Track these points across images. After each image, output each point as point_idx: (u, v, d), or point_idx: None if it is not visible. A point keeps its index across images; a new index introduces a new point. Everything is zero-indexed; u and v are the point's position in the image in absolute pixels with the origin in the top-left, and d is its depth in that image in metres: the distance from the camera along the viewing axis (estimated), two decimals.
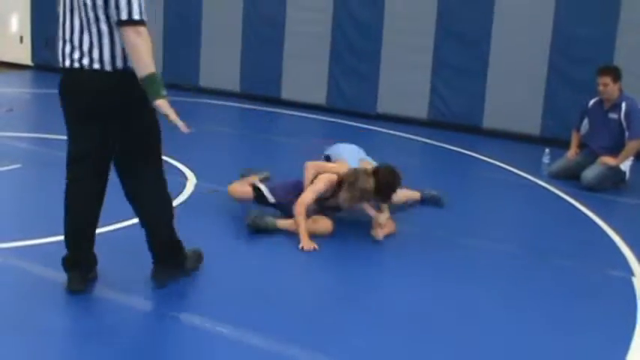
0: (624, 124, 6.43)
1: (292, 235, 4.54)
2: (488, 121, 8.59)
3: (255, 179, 5.03)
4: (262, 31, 9.87)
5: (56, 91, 3.40)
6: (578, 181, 6.38)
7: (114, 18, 3.16)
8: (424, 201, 5.50)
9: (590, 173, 6.36)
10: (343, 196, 4.63)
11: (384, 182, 4.65)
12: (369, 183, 4.56)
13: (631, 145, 6.40)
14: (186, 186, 5.52)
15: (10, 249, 4.04)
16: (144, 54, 3.13)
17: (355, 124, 8.78)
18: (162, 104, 3.17)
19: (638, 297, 3.97)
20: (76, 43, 3.25)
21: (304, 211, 4.57)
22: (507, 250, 4.68)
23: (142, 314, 3.42)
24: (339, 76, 9.46)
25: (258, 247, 4.45)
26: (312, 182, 4.72)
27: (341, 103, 9.47)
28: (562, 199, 6.04)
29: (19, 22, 11.75)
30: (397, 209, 5.15)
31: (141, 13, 3.15)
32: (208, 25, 10.23)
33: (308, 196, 4.64)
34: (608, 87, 6.45)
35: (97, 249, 3.64)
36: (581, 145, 6.84)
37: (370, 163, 5.05)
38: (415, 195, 5.47)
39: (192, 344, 3.14)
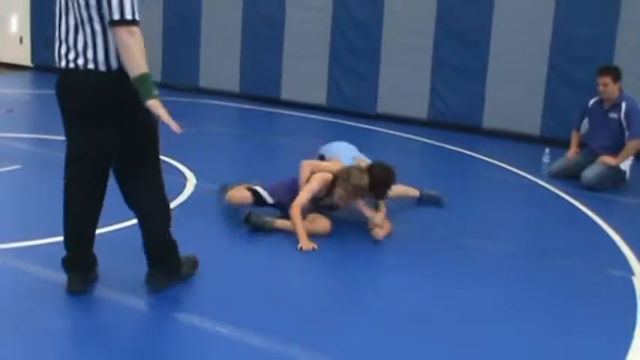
0: (624, 123, 6.43)
1: (291, 235, 4.54)
2: (488, 121, 8.59)
3: (244, 187, 4.96)
4: (262, 31, 9.87)
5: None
6: (579, 181, 6.38)
7: (107, 18, 3.16)
8: (423, 200, 5.50)
9: (590, 173, 6.36)
10: (337, 193, 4.64)
11: (379, 179, 4.67)
12: (363, 179, 4.57)
13: (631, 145, 6.40)
14: (186, 186, 5.52)
15: (10, 250, 4.04)
16: (136, 54, 3.12)
17: (355, 124, 8.78)
18: (154, 104, 3.15)
19: (638, 296, 3.97)
20: (71, 43, 3.25)
21: (300, 212, 4.57)
22: (507, 249, 4.68)
23: (142, 315, 3.41)
24: (339, 76, 9.46)
25: (258, 247, 4.45)
26: (307, 182, 4.73)
27: (341, 103, 9.47)
28: (562, 198, 6.04)
29: (18, 23, 11.75)
30: (396, 210, 5.15)
31: (133, 12, 3.13)
32: (208, 25, 10.23)
33: (303, 198, 4.64)
34: (608, 87, 6.45)
35: (97, 250, 3.64)
36: (581, 145, 6.84)
37: (364, 161, 5.06)
38: (414, 192, 5.47)
39: (192, 344, 3.14)
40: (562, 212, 5.72)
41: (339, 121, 8.90)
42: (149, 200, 3.49)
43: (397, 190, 5.08)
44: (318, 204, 4.74)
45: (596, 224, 5.35)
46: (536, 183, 6.49)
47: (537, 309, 3.78)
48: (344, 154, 5.13)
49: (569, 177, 6.55)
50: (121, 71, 3.20)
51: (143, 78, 3.13)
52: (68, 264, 3.55)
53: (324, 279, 4.18)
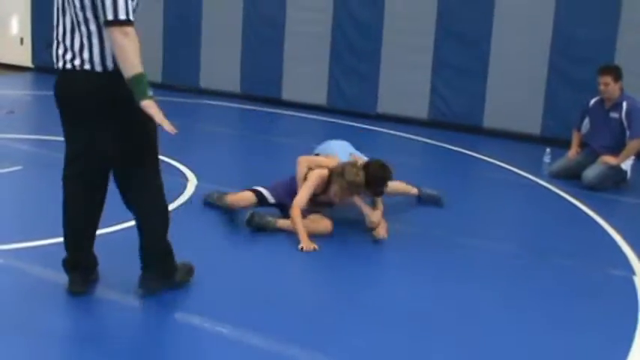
0: (625, 123, 6.43)
1: (292, 235, 4.54)
2: (489, 121, 8.59)
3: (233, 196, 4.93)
4: (262, 31, 9.87)
5: None
6: (579, 181, 6.38)
7: (101, 18, 3.16)
8: (423, 200, 5.50)
9: (591, 173, 6.36)
10: (332, 189, 4.65)
11: (375, 176, 4.68)
12: (358, 175, 4.57)
13: (632, 145, 6.39)
14: (187, 187, 5.52)
15: (10, 250, 4.04)
16: (131, 54, 3.11)
17: (356, 124, 8.78)
18: (149, 105, 3.14)
19: (639, 296, 3.96)
20: (68, 44, 3.26)
21: (300, 212, 4.57)
22: (508, 249, 4.68)
23: (142, 315, 3.41)
24: (340, 77, 9.46)
25: (259, 247, 4.45)
26: (304, 179, 4.73)
27: (341, 103, 9.47)
28: (563, 198, 6.04)
29: (19, 24, 11.75)
30: (397, 210, 5.15)
31: (127, 12, 3.12)
32: (208, 25, 10.24)
33: (302, 197, 4.64)
34: (609, 86, 6.45)
35: (98, 251, 3.64)
36: (582, 145, 6.84)
37: (361, 158, 5.06)
38: (413, 191, 5.47)
39: (192, 344, 3.14)
40: (563, 212, 5.72)
41: (340, 121, 8.90)
42: (148, 201, 3.48)
43: (395, 186, 5.09)
44: (315, 201, 4.74)
45: (597, 224, 5.35)
46: (537, 183, 6.49)
47: (538, 309, 3.78)
48: (341, 152, 5.14)
49: (570, 177, 6.55)
50: (118, 72, 3.20)
51: (138, 78, 3.12)
52: (69, 265, 3.55)
53: (324, 279, 4.18)
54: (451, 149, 7.77)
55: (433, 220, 5.19)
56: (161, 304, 3.50)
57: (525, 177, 6.66)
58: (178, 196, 5.23)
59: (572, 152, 6.80)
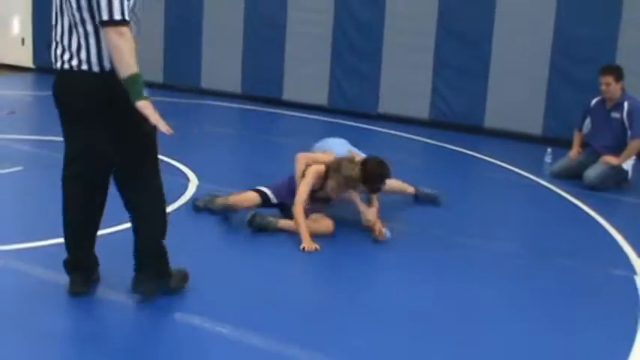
0: (626, 123, 6.42)
1: (293, 236, 4.54)
2: (490, 121, 8.58)
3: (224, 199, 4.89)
4: (263, 32, 9.87)
5: None
6: (581, 181, 6.37)
7: (97, 18, 3.15)
8: (420, 199, 5.50)
9: (592, 172, 6.35)
10: (329, 184, 4.65)
11: (373, 173, 4.69)
12: (354, 170, 4.58)
13: (633, 145, 6.39)
14: (188, 187, 5.52)
15: (11, 251, 4.05)
16: (126, 54, 3.10)
17: (356, 124, 8.78)
18: (144, 105, 3.12)
19: None
20: (66, 44, 3.26)
21: (303, 210, 4.57)
22: (509, 249, 4.67)
23: (142, 315, 3.41)
24: (341, 77, 9.46)
25: (259, 247, 4.44)
26: (302, 176, 4.73)
27: (342, 103, 9.47)
28: (564, 198, 6.03)
29: (20, 25, 11.76)
30: (397, 210, 5.15)
31: (122, 13, 3.11)
32: (209, 26, 10.24)
33: (302, 195, 4.64)
34: (610, 86, 6.44)
35: (98, 251, 3.63)
36: (584, 145, 6.83)
37: (359, 155, 5.06)
38: (410, 189, 5.47)
39: (192, 344, 3.14)
40: (564, 212, 5.71)
41: (341, 121, 8.89)
42: (147, 202, 3.46)
43: (392, 184, 5.10)
44: (313, 197, 4.74)
45: (598, 224, 5.34)
46: (539, 183, 6.48)
47: (539, 308, 3.77)
48: (338, 149, 5.14)
49: (572, 177, 6.54)
50: (115, 72, 3.19)
51: (133, 78, 3.11)
52: (70, 265, 3.55)
53: (324, 279, 4.18)
54: (452, 149, 7.77)
55: (434, 220, 5.18)
56: (161, 304, 3.49)
57: (526, 177, 6.65)
58: (179, 196, 5.22)
59: (574, 152, 6.79)
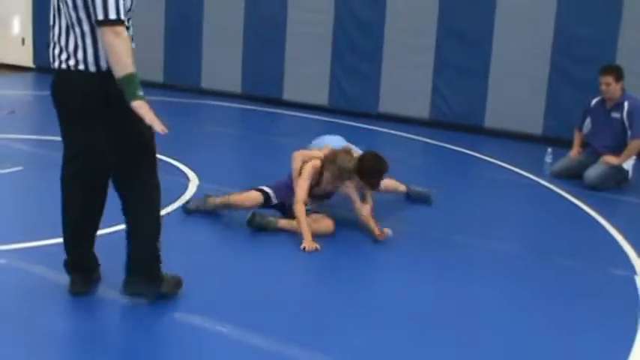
0: (627, 123, 6.42)
1: (293, 235, 4.54)
2: (490, 121, 8.58)
3: (218, 199, 4.88)
4: (264, 31, 9.87)
5: None
6: (581, 181, 6.37)
7: (93, 18, 3.15)
8: (412, 197, 5.50)
9: (592, 172, 6.35)
10: (325, 177, 4.65)
11: (371, 167, 4.70)
12: (350, 162, 4.58)
13: (633, 144, 6.39)
14: (189, 187, 5.52)
15: (12, 250, 4.05)
16: (122, 54, 3.09)
17: (357, 124, 8.78)
18: (139, 105, 3.11)
19: None
20: (63, 44, 3.26)
21: (304, 208, 4.57)
22: (510, 249, 4.67)
23: (142, 315, 3.41)
24: (341, 76, 9.46)
25: (259, 247, 4.44)
26: (299, 174, 4.73)
27: (343, 103, 9.47)
28: (564, 198, 6.03)
29: (20, 24, 11.76)
30: (397, 209, 5.15)
31: (118, 12, 3.10)
32: (210, 26, 10.24)
33: (302, 192, 4.63)
34: (610, 86, 6.44)
35: (98, 251, 3.63)
36: (584, 145, 6.83)
37: (356, 151, 5.06)
38: (402, 188, 5.48)
39: (192, 344, 3.14)
40: (564, 212, 5.71)
41: (341, 121, 8.89)
42: (143, 202, 3.42)
43: (386, 183, 5.12)
44: (312, 193, 4.73)
45: (598, 224, 5.34)
46: (539, 183, 6.48)
47: (539, 308, 3.77)
48: (335, 145, 5.14)
49: (572, 177, 6.54)
50: (110, 72, 3.18)
51: (129, 78, 3.10)
52: (70, 265, 3.55)
53: (324, 279, 4.18)
54: (452, 149, 7.77)
55: (434, 220, 5.18)
56: (161, 304, 3.49)
57: (527, 177, 6.65)
58: (180, 196, 5.22)
59: (574, 152, 6.79)
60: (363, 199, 4.82)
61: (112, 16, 3.09)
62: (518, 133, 8.36)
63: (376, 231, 4.58)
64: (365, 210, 4.70)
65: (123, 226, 4.27)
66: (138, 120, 3.13)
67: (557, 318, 3.67)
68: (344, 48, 9.36)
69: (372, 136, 8.26)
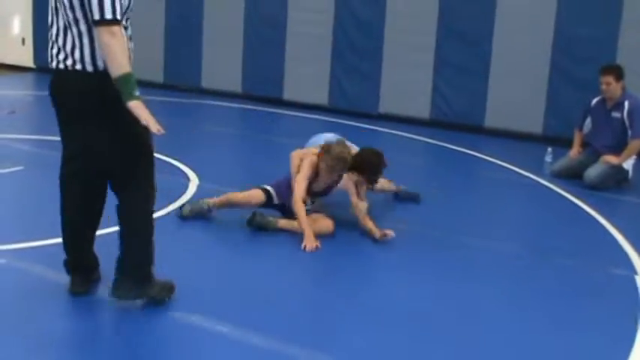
0: (627, 122, 6.42)
1: (293, 235, 4.54)
2: (491, 121, 8.58)
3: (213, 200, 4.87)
4: (264, 31, 9.87)
5: None
6: (581, 180, 6.37)
7: (90, 18, 3.15)
8: (400, 197, 5.50)
9: (592, 172, 6.35)
10: (321, 168, 4.64)
11: (369, 162, 4.72)
12: (344, 151, 4.58)
13: (634, 144, 6.38)
14: (189, 187, 5.52)
15: (12, 250, 4.05)
16: (117, 54, 3.08)
17: (357, 124, 8.77)
18: (135, 105, 3.10)
19: None
20: (61, 44, 3.26)
21: (303, 205, 4.57)
22: (510, 249, 4.67)
23: (142, 314, 3.41)
24: (341, 76, 9.46)
25: (259, 247, 4.44)
26: (297, 172, 4.73)
27: (343, 103, 9.47)
28: (565, 198, 6.03)
29: (20, 24, 11.76)
30: (397, 209, 5.14)
31: (114, 12, 3.09)
32: (210, 25, 10.24)
33: (300, 189, 4.63)
34: (610, 86, 6.44)
35: (98, 251, 3.63)
36: (584, 144, 6.83)
37: (354, 148, 5.06)
38: (393, 187, 5.50)
39: (193, 344, 3.14)
40: (564, 211, 5.71)
41: (341, 121, 8.89)
42: (138, 203, 3.39)
43: (381, 182, 5.15)
44: (310, 190, 4.73)
45: (598, 223, 5.34)
46: (539, 182, 6.48)
47: (540, 308, 3.77)
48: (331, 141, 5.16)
49: (572, 176, 6.54)
50: (107, 72, 3.17)
51: (125, 78, 3.10)
52: (70, 265, 3.55)
53: (324, 279, 4.18)
54: (453, 149, 7.77)
55: (434, 220, 5.18)
56: (162, 304, 3.49)
57: (527, 176, 6.65)
58: (180, 196, 5.22)
59: (574, 152, 6.79)
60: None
61: (108, 15, 3.08)
62: (519, 133, 8.36)
63: (375, 232, 4.58)
64: (362, 205, 4.70)
65: None
66: (135, 120, 3.13)
67: (557, 318, 3.67)
68: (344, 48, 9.36)
69: (372, 136, 8.25)
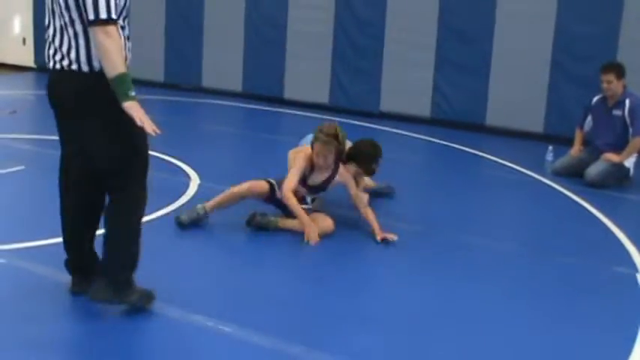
0: (628, 120, 6.42)
1: (293, 235, 4.54)
2: (491, 119, 8.57)
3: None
4: (264, 30, 9.86)
5: None
6: (582, 179, 6.37)
7: (85, 19, 3.14)
8: (374, 192, 5.46)
9: (593, 170, 6.34)
10: (315, 150, 4.61)
11: (367, 152, 4.78)
12: (336, 130, 4.59)
13: (635, 142, 6.38)
14: (190, 186, 5.52)
15: (14, 250, 4.05)
16: (113, 54, 3.07)
17: (358, 123, 8.77)
18: (131, 106, 3.09)
19: None
20: (57, 44, 3.25)
21: (292, 195, 4.55)
22: (511, 247, 4.67)
23: (142, 315, 3.40)
24: (342, 75, 9.45)
25: (260, 247, 4.44)
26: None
27: (344, 102, 9.46)
28: (566, 196, 6.03)
29: (21, 24, 11.77)
30: (397, 208, 5.14)
31: (109, 11, 3.08)
32: (210, 25, 10.23)
33: (292, 179, 4.61)
34: (611, 84, 6.43)
35: (98, 251, 3.62)
36: (585, 143, 6.83)
37: (349, 143, 5.06)
38: (373, 183, 5.49)
39: (193, 344, 3.14)
40: (566, 210, 5.70)
41: (342, 120, 8.87)
42: (127, 204, 3.36)
43: (367, 180, 5.19)
44: (308, 185, 4.72)
45: (600, 221, 5.33)
46: (540, 180, 6.47)
47: (541, 307, 3.77)
48: None
49: (573, 174, 6.54)
50: (103, 72, 3.16)
51: (120, 78, 3.08)
52: (70, 265, 3.54)
53: (325, 278, 4.17)
54: (454, 147, 7.76)
55: (435, 219, 5.18)
56: (164, 303, 3.49)
57: (528, 175, 6.65)
58: (180, 195, 5.22)
59: (575, 150, 6.79)
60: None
61: (103, 15, 3.07)
62: (520, 131, 8.35)
63: (377, 234, 4.57)
64: (363, 196, 4.70)
65: None
66: (130, 120, 3.11)
67: (558, 316, 3.66)
68: (345, 46, 9.35)
69: (373, 134, 8.18)
